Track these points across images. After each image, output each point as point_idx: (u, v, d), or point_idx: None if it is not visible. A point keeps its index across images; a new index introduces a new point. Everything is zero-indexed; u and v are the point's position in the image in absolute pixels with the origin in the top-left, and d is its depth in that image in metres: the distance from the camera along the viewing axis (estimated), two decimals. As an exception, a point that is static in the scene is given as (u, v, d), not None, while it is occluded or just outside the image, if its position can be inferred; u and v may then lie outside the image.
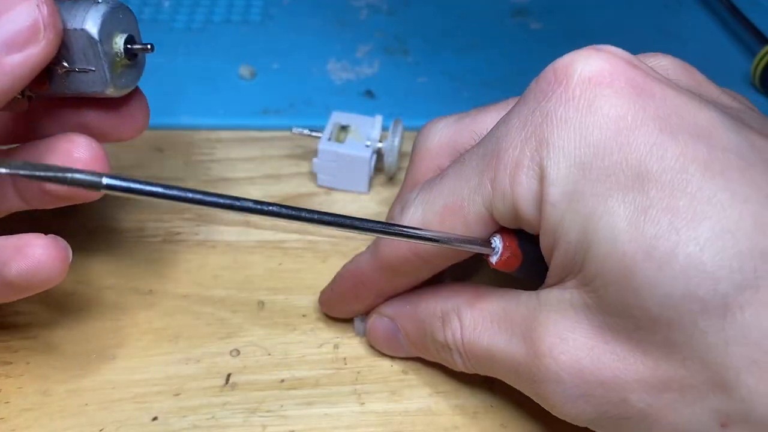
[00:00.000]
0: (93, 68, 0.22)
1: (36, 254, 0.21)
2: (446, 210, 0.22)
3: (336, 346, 0.27)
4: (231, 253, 0.31)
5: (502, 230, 0.22)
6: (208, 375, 0.26)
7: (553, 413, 0.21)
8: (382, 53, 0.46)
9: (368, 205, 0.34)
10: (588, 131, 0.18)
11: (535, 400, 0.22)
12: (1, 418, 0.24)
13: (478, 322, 0.23)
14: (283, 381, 0.26)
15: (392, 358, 0.27)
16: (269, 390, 0.25)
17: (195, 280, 0.29)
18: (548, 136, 0.19)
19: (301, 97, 0.41)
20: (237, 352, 0.27)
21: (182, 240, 0.31)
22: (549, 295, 0.20)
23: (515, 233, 0.22)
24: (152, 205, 0.32)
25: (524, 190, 0.20)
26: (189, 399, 0.25)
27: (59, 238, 0.22)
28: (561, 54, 0.22)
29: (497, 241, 0.22)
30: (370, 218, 0.20)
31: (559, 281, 0.20)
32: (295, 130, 0.34)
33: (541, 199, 0.19)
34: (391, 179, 0.35)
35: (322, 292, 0.28)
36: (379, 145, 0.34)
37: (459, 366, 0.24)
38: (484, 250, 0.22)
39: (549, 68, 0.20)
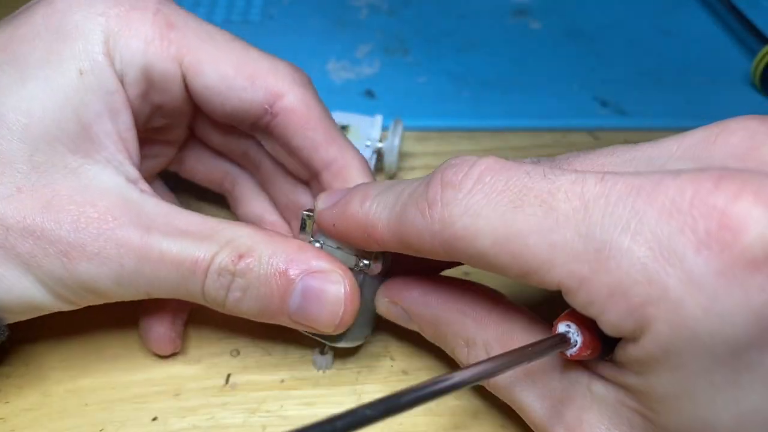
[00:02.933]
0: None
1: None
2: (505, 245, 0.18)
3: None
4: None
5: (572, 316, 0.19)
6: (208, 375, 0.26)
7: None
8: (382, 53, 0.46)
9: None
10: (735, 315, 0.15)
11: None
12: (1, 419, 0.24)
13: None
14: (283, 381, 0.26)
15: (392, 358, 0.27)
16: (269, 390, 0.25)
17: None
18: (721, 302, 0.15)
19: (301, 97, 0.41)
20: (237, 352, 0.27)
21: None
22: (608, 397, 0.19)
23: (589, 320, 0.18)
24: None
25: (627, 314, 0.17)
26: (189, 399, 0.25)
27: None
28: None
29: (575, 334, 0.19)
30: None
31: (625, 390, 0.19)
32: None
33: (646, 332, 0.17)
34: (391, 179, 0.35)
35: (327, 210, 0.24)
36: (379, 144, 0.34)
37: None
38: (561, 348, 0.19)
39: (719, 208, 0.15)
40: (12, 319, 0.23)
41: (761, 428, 0.16)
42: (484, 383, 0.23)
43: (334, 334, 0.24)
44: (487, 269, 0.19)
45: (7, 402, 0.25)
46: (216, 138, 0.29)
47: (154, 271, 0.22)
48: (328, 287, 0.23)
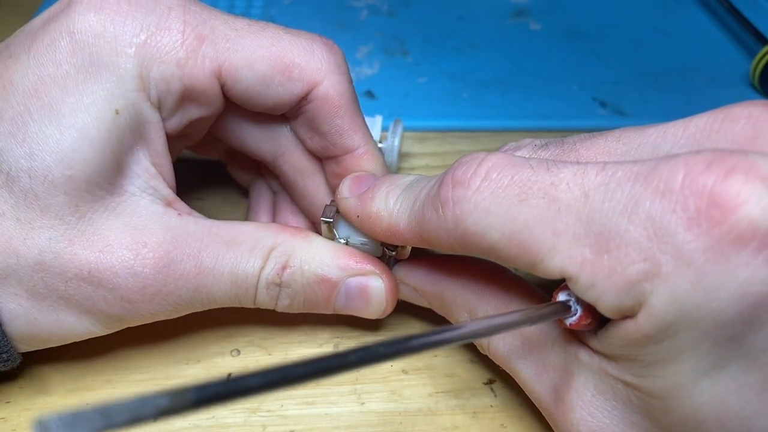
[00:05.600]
0: None
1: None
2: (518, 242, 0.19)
3: (336, 346, 0.27)
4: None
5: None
6: (209, 375, 0.26)
7: None
8: (383, 54, 0.46)
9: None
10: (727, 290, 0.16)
11: None
12: (2, 418, 0.24)
13: (508, 338, 0.23)
14: (283, 381, 0.26)
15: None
16: (269, 390, 0.26)
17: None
18: (709, 277, 0.16)
19: (301, 97, 0.41)
20: (237, 352, 0.27)
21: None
22: (592, 365, 0.20)
23: None
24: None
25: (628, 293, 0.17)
26: (189, 399, 0.25)
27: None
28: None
29: (575, 304, 0.19)
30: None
31: (608, 358, 0.19)
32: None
33: (647, 310, 0.17)
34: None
35: (351, 201, 0.25)
36: (380, 145, 0.34)
37: (480, 349, 0.25)
38: (562, 315, 0.19)
39: (709, 187, 0.16)
40: (53, 345, 0.24)
41: (737, 398, 0.17)
42: (486, 351, 0.24)
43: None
44: (501, 262, 0.20)
45: (8, 402, 0.25)
46: (244, 125, 0.28)
47: (209, 294, 0.24)
48: (369, 286, 0.25)
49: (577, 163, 0.19)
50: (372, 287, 0.25)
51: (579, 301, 0.19)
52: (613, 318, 0.18)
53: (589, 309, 0.19)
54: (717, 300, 0.16)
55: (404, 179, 0.24)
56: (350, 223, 0.25)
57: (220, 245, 0.24)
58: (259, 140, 0.28)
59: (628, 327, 0.17)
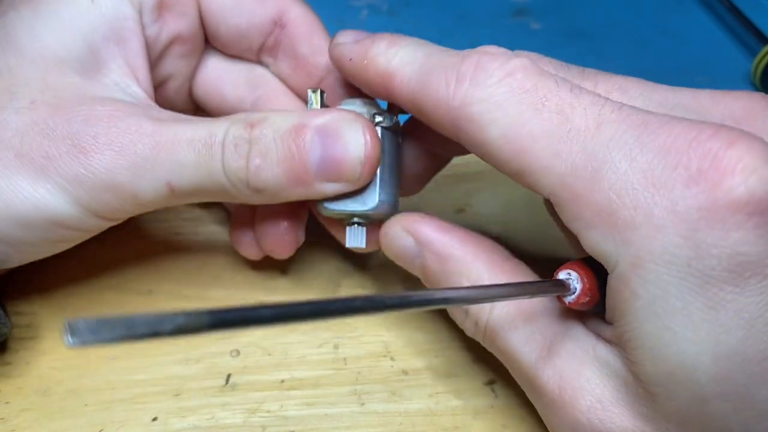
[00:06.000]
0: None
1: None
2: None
3: (336, 347, 0.27)
4: (231, 254, 0.31)
5: (576, 265, 0.20)
6: (208, 375, 0.26)
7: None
8: (382, 53, 0.46)
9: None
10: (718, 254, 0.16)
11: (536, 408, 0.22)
12: (1, 419, 0.24)
13: (511, 315, 0.22)
14: (283, 381, 0.26)
15: (392, 358, 0.27)
16: (269, 390, 0.25)
17: (195, 280, 0.29)
18: (701, 233, 0.16)
19: (301, 97, 0.41)
20: (237, 353, 0.27)
21: (182, 240, 0.31)
22: (605, 356, 0.20)
23: (591, 268, 0.19)
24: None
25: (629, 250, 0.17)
26: (189, 399, 0.25)
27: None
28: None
29: (575, 282, 0.19)
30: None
31: (620, 351, 0.19)
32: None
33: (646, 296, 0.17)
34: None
35: (347, 44, 0.24)
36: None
37: (467, 331, 0.23)
38: (560, 292, 0.19)
39: (714, 151, 0.17)
40: (32, 236, 0.22)
41: (740, 372, 0.17)
42: (480, 336, 0.23)
43: (363, 180, 0.23)
44: (484, 158, 0.20)
45: (8, 402, 0.25)
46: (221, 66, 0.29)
47: (170, 155, 0.22)
48: (345, 126, 0.22)
49: (598, 94, 0.19)
50: (348, 128, 0.22)
51: (580, 278, 0.19)
52: (594, 256, 0.18)
53: (588, 288, 0.19)
54: (708, 257, 0.16)
55: (411, 37, 0.23)
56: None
57: (183, 119, 0.23)
58: (238, 84, 0.28)
59: (612, 281, 0.18)
